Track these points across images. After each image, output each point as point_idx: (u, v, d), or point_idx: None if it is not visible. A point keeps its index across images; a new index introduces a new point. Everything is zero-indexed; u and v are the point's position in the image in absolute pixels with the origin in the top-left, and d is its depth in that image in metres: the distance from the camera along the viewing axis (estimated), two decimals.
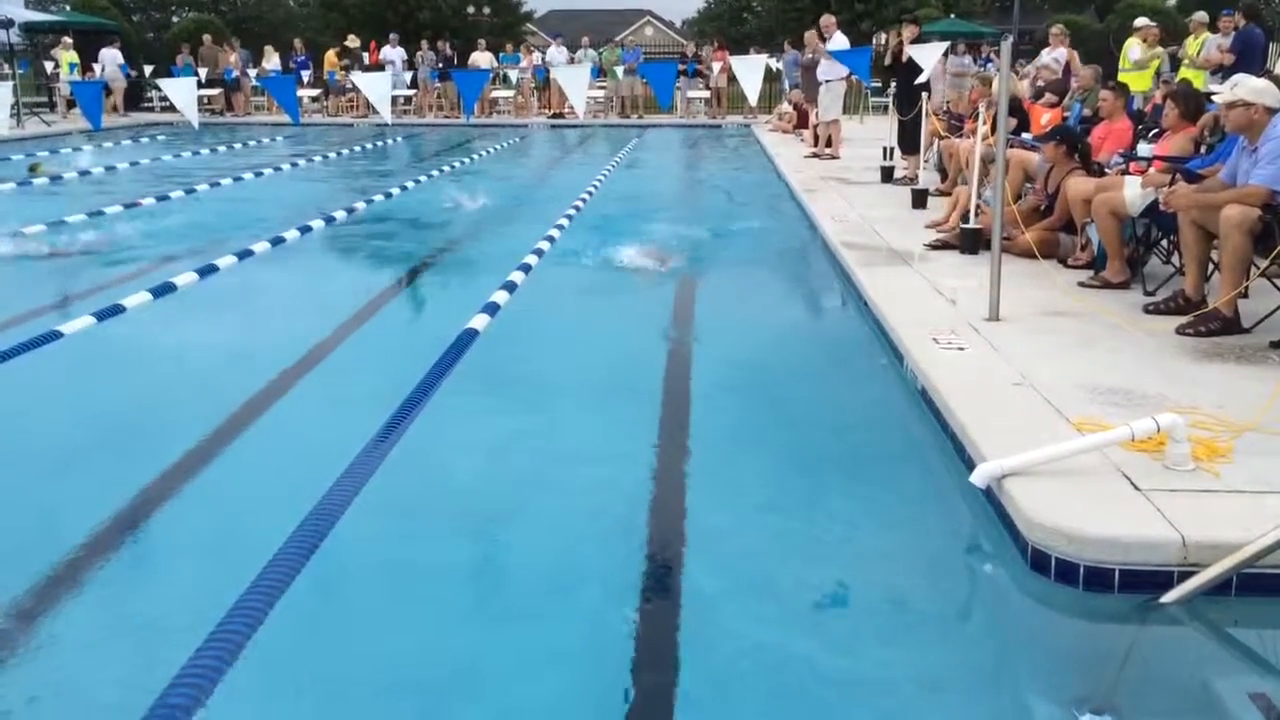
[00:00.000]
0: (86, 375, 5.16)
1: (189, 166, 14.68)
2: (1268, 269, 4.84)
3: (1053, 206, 6.92)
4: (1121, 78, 12.41)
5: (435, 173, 13.60)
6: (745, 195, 11.96)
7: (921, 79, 10.84)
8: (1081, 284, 5.99)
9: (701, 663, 2.59)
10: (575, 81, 12.27)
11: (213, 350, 5.53)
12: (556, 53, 24.76)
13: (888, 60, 12.31)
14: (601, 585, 2.99)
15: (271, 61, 24.87)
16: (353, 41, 24.94)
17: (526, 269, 7.11)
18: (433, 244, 9.06)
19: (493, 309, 5.92)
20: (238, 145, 17.73)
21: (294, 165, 14.69)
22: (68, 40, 23.05)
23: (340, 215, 9.89)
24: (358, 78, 14.93)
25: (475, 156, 16.02)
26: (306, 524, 3.22)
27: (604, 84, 24.26)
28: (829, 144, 14.06)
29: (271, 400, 4.67)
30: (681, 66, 22.90)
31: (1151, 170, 5.86)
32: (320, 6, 37.76)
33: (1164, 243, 6.21)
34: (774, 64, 20.42)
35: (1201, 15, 12.70)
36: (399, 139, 19.38)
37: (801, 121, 17.33)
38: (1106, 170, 6.72)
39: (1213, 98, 6.71)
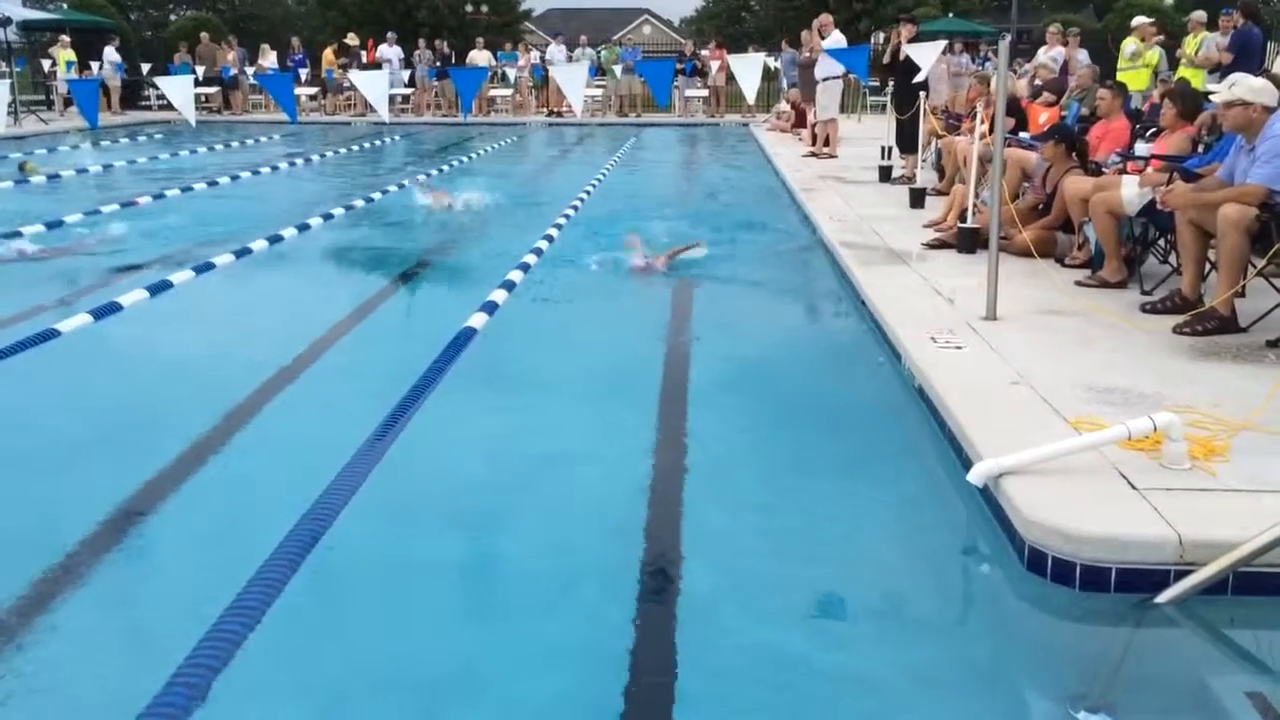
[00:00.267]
0: (83, 374, 5.16)
1: (186, 165, 14.66)
2: (1265, 268, 4.84)
3: (1050, 206, 6.93)
4: (1120, 76, 12.42)
5: (434, 171, 13.59)
6: (743, 194, 11.96)
7: (920, 78, 10.84)
8: (1079, 283, 5.99)
9: (700, 661, 2.59)
10: (573, 80, 12.28)
11: (210, 348, 5.53)
12: (556, 50, 24.75)
13: (886, 59, 12.32)
14: (600, 583, 2.99)
15: (269, 60, 24.85)
16: (352, 40, 24.93)
17: (525, 268, 7.11)
18: (430, 243, 9.06)
19: (491, 308, 5.92)
20: (235, 144, 17.71)
21: (291, 164, 14.68)
22: (65, 39, 23.02)
23: (338, 213, 9.89)
24: (355, 76, 14.92)
25: (473, 155, 16.02)
26: (304, 522, 3.22)
27: (602, 83, 24.26)
28: (827, 143, 14.06)
29: (268, 398, 4.67)
30: (679, 65, 22.90)
31: (1149, 169, 5.87)
32: (318, 5, 37.79)
33: (1161, 242, 6.22)
34: (772, 63, 20.43)
35: (1200, 14, 12.71)
36: (397, 137, 19.37)
37: (800, 121, 17.33)
38: (1104, 169, 6.73)
39: (1210, 97, 6.70)
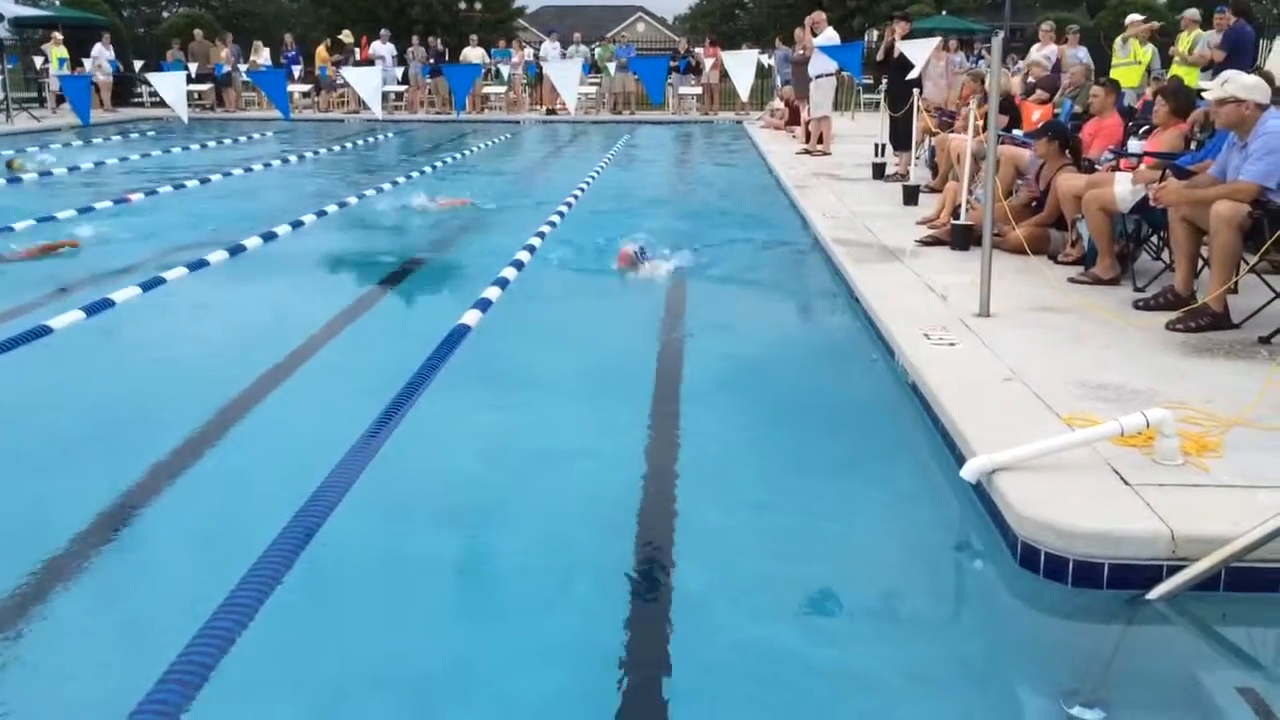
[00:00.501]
0: (76, 370, 5.14)
1: (179, 162, 14.62)
2: (1257, 265, 4.86)
3: (1043, 203, 6.94)
4: (1114, 73, 12.45)
5: (427, 169, 13.56)
6: (737, 191, 11.95)
7: (913, 75, 10.84)
8: (1072, 280, 6.01)
9: (694, 657, 2.59)
10: (567, 77, 12.28)
11: (203, 345, 5.52)
12: (550, 48, 24.70)
13: (880, 56, 12.32)
14: (594, 580, 3.00)
15: (262, 56, 24.77)
16: (345, 36, 24.86)
17: (519, 265, 7.10)
18: (424, 240, 9.04)
19: (484, 305, 5.91)
20: (228, 141, 17.65)
21: (285, 161, 14.64)
22: (58, 35, 22.92)
23: (332, 210, 9.86)
24: (348, 73, 14.91)
25: (467, 152, 15.99)
26: (298, 519, 3.21)
27: (596, 80, 24.23)
28: (820, 140, 14.06)
29: (262, 395, 4.66)
30: (674, 62, 22.87)
31: (1142, 166, 5.88)
32: (311, 1, 37.66)
33: (1154, 239, 6.24)
34: (765, 60, 20.43)
35: (1193, 12, 12.73)
36: (390, 134, 19.33)
37: (794, 118, 17.33)
38: (1097, 166, 6.74)
39: (1203, 94, 6.72)
